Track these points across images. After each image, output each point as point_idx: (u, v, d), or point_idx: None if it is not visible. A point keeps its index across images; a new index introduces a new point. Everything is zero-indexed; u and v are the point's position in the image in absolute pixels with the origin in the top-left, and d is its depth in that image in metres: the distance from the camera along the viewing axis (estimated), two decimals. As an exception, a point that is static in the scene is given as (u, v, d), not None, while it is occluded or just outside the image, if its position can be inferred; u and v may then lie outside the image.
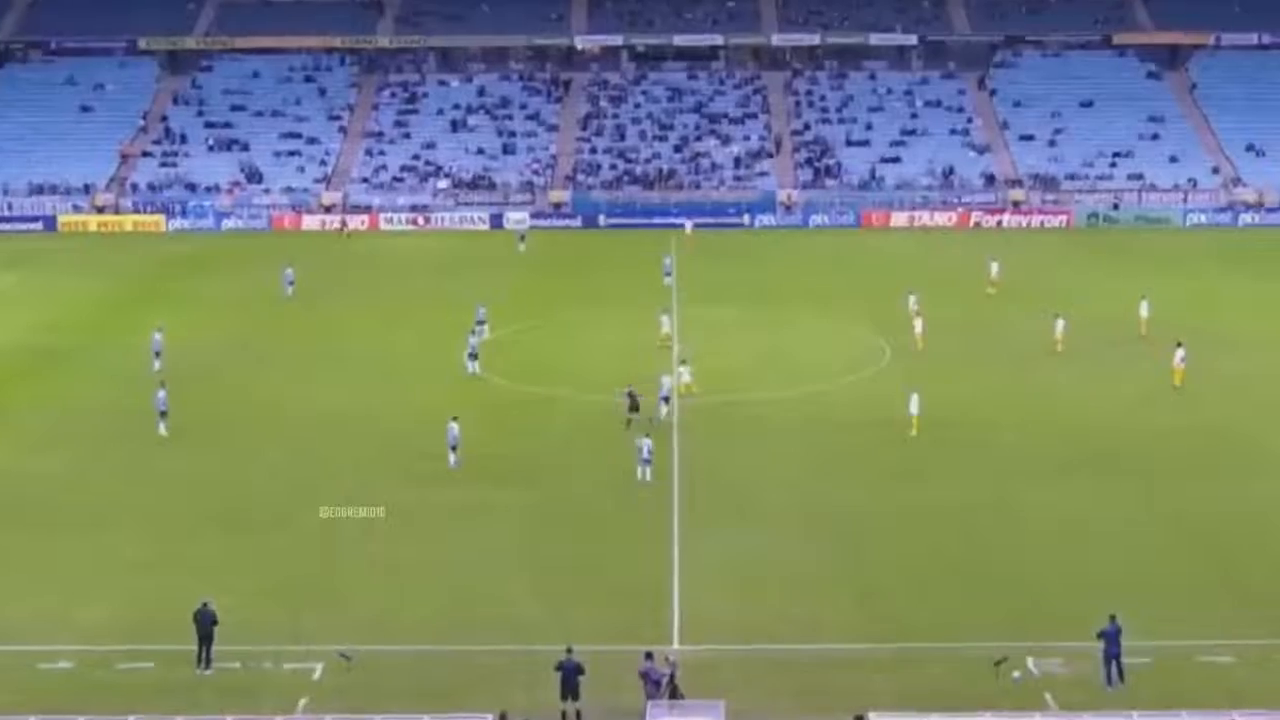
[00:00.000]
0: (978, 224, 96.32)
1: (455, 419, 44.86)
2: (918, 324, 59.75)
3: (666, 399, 49.52)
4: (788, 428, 49.04)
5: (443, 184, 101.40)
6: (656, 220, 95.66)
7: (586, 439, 47.84)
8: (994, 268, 72.31)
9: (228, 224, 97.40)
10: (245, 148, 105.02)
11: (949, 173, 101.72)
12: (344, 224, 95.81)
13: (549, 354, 58.94)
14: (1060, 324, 58.76)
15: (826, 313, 66.64)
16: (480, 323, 60.41)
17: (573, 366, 56.53)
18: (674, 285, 71.67)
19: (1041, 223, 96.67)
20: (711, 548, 38.09)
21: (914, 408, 47.57)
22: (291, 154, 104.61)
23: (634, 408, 48.05)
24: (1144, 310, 61.64)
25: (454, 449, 44.40)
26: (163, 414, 48.34)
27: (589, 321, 65.14)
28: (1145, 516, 40.62)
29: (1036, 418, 50.08)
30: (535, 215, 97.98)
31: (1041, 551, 38.04)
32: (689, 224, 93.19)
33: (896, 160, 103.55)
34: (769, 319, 65.89)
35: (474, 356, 55.63)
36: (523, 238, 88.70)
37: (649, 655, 29.75)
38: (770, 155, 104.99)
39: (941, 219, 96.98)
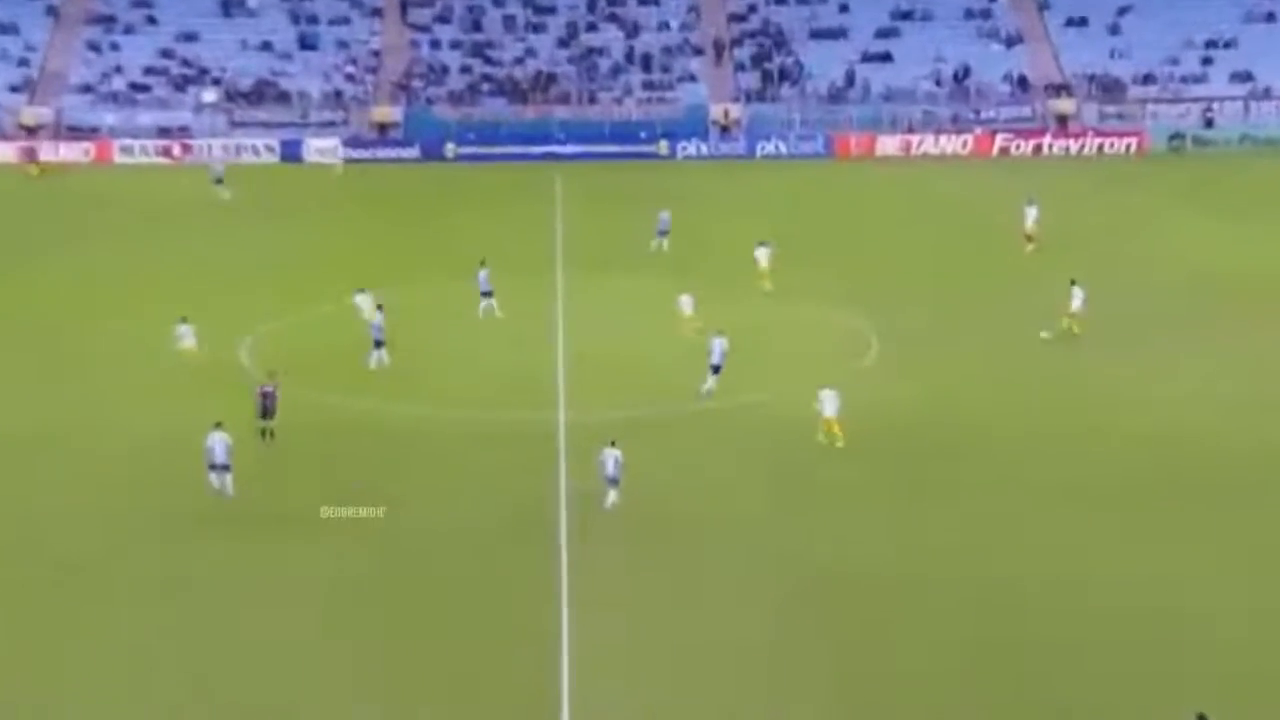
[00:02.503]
0: (1005, 150, 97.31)
1: (219, 426, 44.88)
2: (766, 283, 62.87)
3: (717, 369, 52.85)
4: (724, 451, 48.89)
5: (209, 96, 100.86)
6: (535, 150, 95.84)
7: (424, 466, 47.53)
8: (1030, 214, 72.96)
9: None
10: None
11: (962, 76, 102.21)
12: (31, 156, 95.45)
13: (361, 348, 58.60)
14: (1078, 295, 59.21)
15: (781, 285, 66.61)
16: (486, 293, 62.44)
17: (397, 367, 56.32)
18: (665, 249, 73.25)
19: (1100, 147, 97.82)
20: (615, 629, 37.18)
21: (828, 407, 48.00)
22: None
23: (265, 412, 48.73)
24: None
25: (215, 468, 44.47)
26: None
27: (418, 303, 64.80)
28: (1235, 573, 40.25)
29: (1083, 426, 50.20)
30: (350, 142, 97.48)
31: (1082, 624, 37.26)
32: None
33: (885, 59, 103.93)
34: (695, 295, 65.53)
35: (379, 344, 56.40)
36: (220, 180, 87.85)
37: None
38: (699, 53, 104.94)
39: (952, 144, 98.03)
